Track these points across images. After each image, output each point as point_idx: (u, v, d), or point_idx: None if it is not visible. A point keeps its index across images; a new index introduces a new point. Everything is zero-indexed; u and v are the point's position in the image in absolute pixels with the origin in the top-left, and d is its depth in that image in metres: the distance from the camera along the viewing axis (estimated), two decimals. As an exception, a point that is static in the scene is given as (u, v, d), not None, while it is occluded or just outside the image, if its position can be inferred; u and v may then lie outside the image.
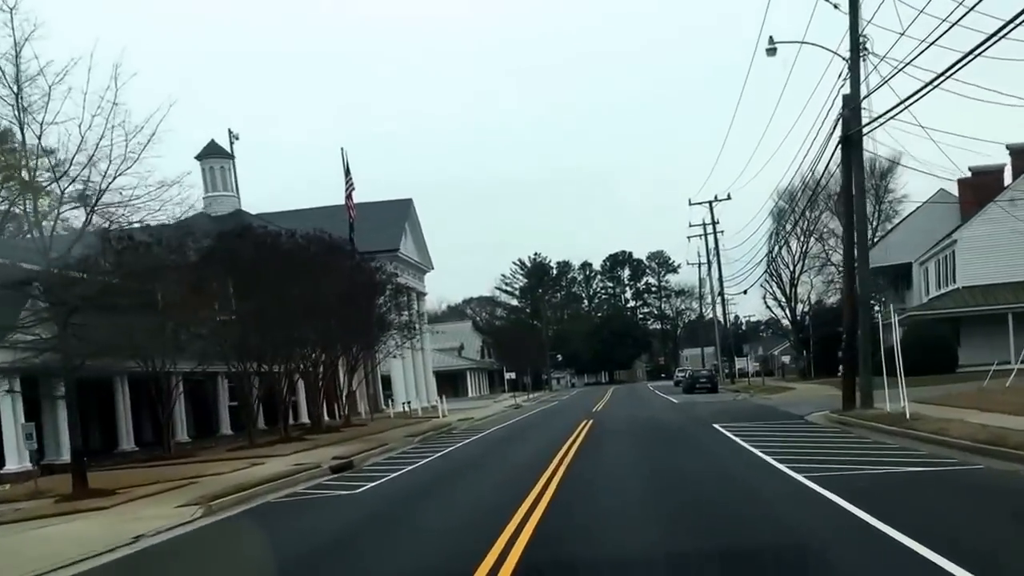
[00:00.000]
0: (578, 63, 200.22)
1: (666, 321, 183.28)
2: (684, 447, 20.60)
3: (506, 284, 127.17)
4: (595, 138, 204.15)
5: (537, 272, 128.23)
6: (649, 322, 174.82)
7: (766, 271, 73.79)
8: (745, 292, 67.97)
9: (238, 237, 29.82)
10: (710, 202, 69.55)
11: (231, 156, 51.84)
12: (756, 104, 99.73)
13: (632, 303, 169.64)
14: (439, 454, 23.32)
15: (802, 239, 72.95)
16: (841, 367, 26.04)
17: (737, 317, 68.30)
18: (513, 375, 79.76)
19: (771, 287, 77.05)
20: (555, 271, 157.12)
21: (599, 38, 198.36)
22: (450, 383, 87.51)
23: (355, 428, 35.52)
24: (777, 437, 20.49)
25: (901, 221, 69.78)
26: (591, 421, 31.21)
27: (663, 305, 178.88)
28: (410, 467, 20.76)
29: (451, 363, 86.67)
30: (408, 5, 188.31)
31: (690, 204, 70.87)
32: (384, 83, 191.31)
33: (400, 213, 56.73)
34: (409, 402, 49.66)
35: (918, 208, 63.70)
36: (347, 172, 50.85)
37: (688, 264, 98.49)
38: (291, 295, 28.32)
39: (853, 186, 26.35)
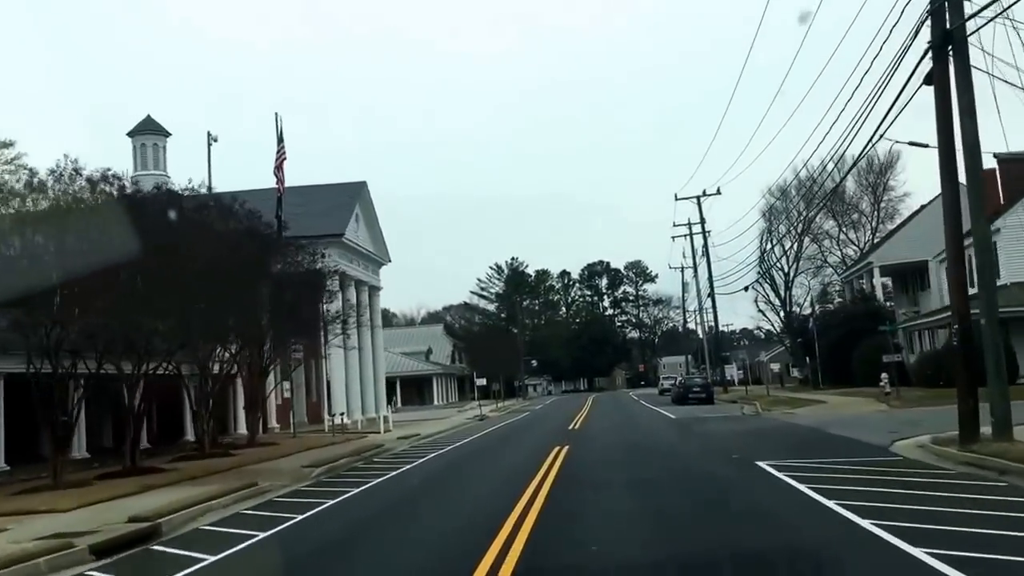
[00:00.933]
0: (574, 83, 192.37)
1: (644, 330, 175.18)
2: (748, 527, 10.47)
3: (482, 289, 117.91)
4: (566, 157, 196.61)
5: (514, 277, 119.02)
6: (627, 330, 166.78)
7: (759, 273, 65.39)
8: (746, 289, 59.15)
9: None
10: (698, 197, 60.90)
11: (166, 134, 48.52)
12: (747, 96, 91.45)
13: (610, 311, 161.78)
14: (315, 511, 13.98)
15: (796, 239, 64.63)
16: (953, 374, 16.63)
17: (714, 326, 59.04)
18: (484, 381, 70.52)
19: (763, 289, 68.64)
20: (533, 279, 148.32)
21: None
22: (416, 389, 78.19)
23: (254, 450, 26.25)
24: (893, 495, 11.50)
25: (912, 216, 61.58)
26: (566, 448, 21.83)
27: (641, 314, 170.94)
28: (242, 544, 11.46)
29: (417, 367, 77.32)
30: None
31: (676, 199, 62.25)
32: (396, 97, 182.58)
33: (350, 196, 47.55)
34: (343, 413, 40.33)
35: (932, 201, 55.47)
36: (280, 140, 41.78)
37: (671, 269, 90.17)
38: (150, 270, 19.30)
39: (956, 108, 17.65)
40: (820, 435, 22.08)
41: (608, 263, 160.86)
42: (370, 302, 51.31)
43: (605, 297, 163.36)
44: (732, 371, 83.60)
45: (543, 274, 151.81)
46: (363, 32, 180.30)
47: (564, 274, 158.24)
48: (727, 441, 22.74)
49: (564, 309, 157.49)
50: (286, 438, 33.26)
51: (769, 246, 64.63)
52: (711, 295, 59.03)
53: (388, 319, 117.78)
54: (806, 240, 63.40)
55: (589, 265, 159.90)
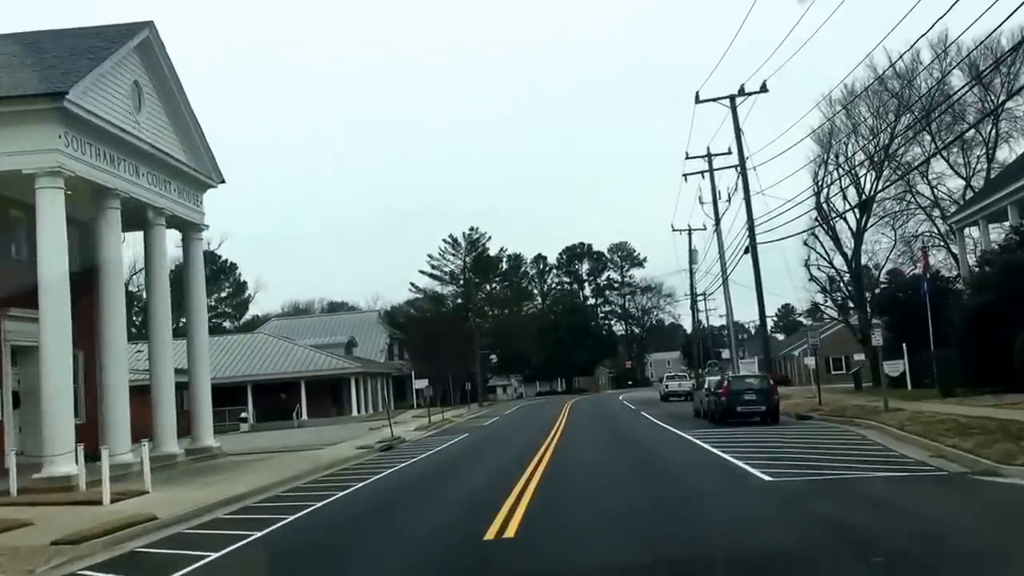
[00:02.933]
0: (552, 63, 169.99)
1: (631, 321, 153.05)
2: None
3: (433, 267, 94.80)
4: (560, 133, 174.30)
5: (472, 250, 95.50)
6: (612, 322, 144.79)
7: (817, 222, 43.32)
8: (807, 242, 36.64)
9: None
10: (732, 97, 38.61)
11: None
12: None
13: (592, 300, 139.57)
14: None
15: (875, 166, 42.46)
16: None
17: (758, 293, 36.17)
18: (425, 383, 48.19)
19: (819, 245, 46.40)
20: (504, 265, 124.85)
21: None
22: (330, 394, 55.51)
23: None
24: None
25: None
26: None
27: (627, 303, 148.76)
28: None
29: (331, 365, 54.62)
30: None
31: (697, 101, 39.85)
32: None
33: (109, 42, 24.87)
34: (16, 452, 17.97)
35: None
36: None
37: (674, 231, 67.16)
38: None
39: None
40: None
41: (590, 245, 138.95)
42: (188, 250, 28.91)
43: (586, 285, 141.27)
44: (753, 367, 62.19)
45: (515, 259, 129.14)
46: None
47: (539, 259, 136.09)
48: None
49: (540, 299, 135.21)
50: None
51: (826, 180, 42.70)
52: (749, 249, 36.76)
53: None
54: (885, 170, 41.36)
55: (568, 248, 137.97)
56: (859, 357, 41.35)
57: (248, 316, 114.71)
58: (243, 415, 51.59)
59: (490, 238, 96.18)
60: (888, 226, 44.18)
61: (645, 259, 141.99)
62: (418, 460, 22.98)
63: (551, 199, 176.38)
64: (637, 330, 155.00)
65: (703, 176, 47.89)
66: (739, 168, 37.52)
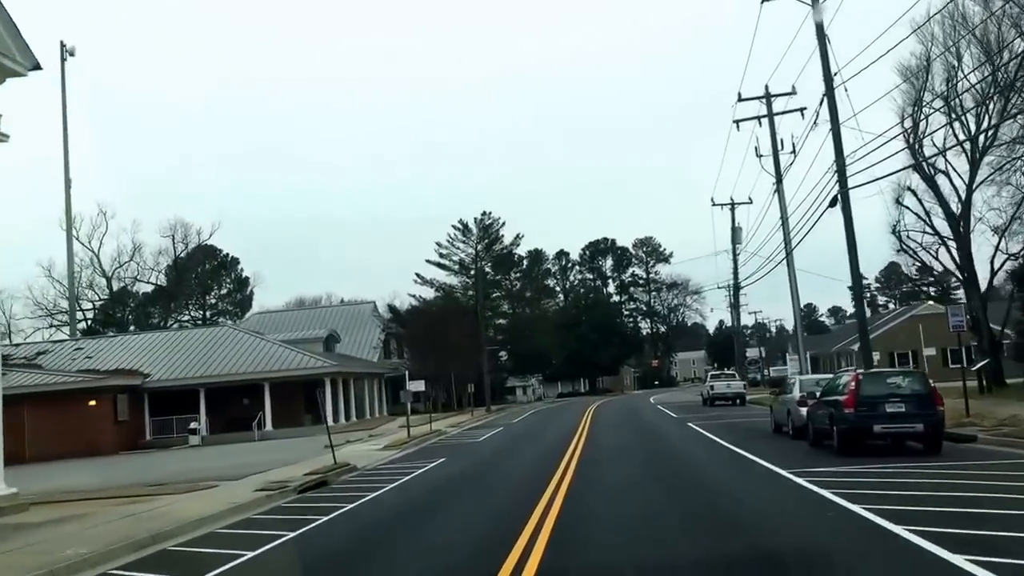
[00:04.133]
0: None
1: (656, 319, 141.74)
2: None
3: (441, 256, 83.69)
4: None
5: (484, 237, 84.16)
6: (637, 319, 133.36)
7: (914, 168, 32.11)
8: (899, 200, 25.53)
9: None
10: None
11: None
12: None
13: (616, 297, 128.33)
14: None
15: (989, 97, 31.22)
16: None
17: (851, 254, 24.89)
18: (420, 386, 37.70)
19: (916, 200, 35.11)
20: (522, 255, 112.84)
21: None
22: (300, 399, 44.97)
23: None
24: None
25: None
26: None
27: (652, 300, 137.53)
28: None
29: (304, 364, 44.01)
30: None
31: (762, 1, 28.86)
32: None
33: None
34: None
35: None
36: None
37: (713, 207, 55.33)
38: None
39: None
40: None
41: (614, 240, 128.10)
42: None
43: (611, 281, 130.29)
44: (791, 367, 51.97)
45: (537, 255, 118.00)
46: None
47: (562, 255, 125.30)
48: None
49: (562, 297, 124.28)
50: None
51: (923, 115, 31.56)
52: (839, 197, 25.78)
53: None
54: (1011, 105, 30.00)
55: (592, 243, 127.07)
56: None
57: (251, 313, 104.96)
58: (192, 426, 41.29)
59: (504, 223, 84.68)
60: (1006, 182, 32.83)
61: (671, 254, 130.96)
62: (307, 530, 12.28)
63: (573, 196, 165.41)
64: (663, 328, 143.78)
65: (759, 123, 37.28)
66: (825, 87, 26.45)
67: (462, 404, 59.60)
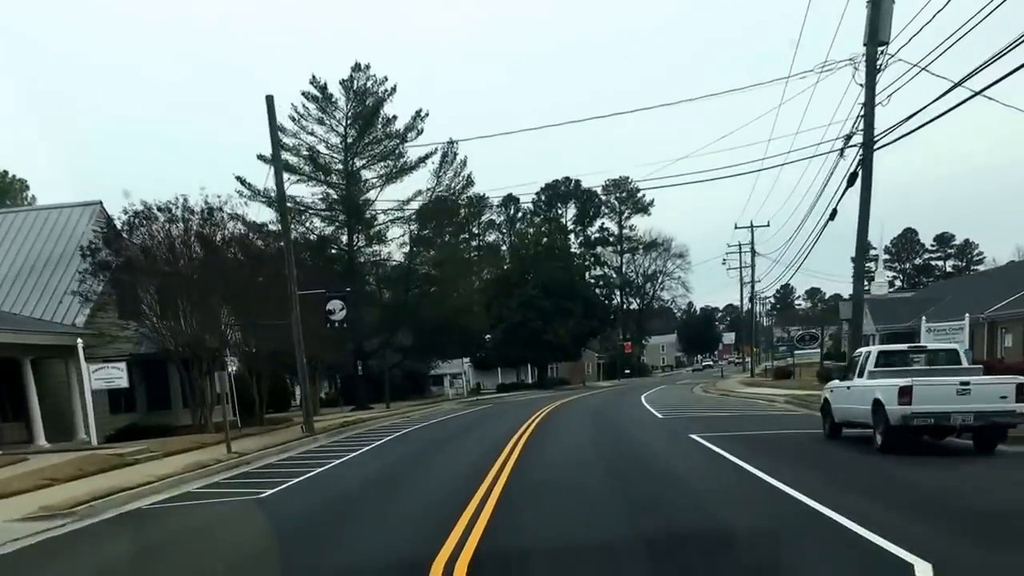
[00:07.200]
0: None
1: (629, 292, 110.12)
2: None
3: (299, 122, 44.86)
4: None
5: (358, 109, 46.65)
6: (607, 290, 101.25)
7: None
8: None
9: None
10: None
11: None
12: None
13: (579, 260, 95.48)
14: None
15: None
16: None
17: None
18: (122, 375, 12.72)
19: None
20: (464, 210, 78.86)
21: None
22: None
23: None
24: None
25: None
26: None
27: (625, 265, 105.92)
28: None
29: None
30: None
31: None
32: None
33: None
34: None
35: None
36: None
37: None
38: None
39: None
40: None
41: (578, 182, 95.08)
42: None
43: (573, 236, 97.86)
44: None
45: (476, 200, 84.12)
46: None
47: (510, 201, 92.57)
48: None
49: (508, 258, 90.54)
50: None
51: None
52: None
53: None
54: None
55: (549, 185, 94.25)
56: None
57: None
58: None
59: (394, 89, 46.24)
60: None
61: (651, 203, 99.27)
62: None
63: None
64: (637, 303, 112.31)
65: None
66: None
67: (260, 411, 27.09)
